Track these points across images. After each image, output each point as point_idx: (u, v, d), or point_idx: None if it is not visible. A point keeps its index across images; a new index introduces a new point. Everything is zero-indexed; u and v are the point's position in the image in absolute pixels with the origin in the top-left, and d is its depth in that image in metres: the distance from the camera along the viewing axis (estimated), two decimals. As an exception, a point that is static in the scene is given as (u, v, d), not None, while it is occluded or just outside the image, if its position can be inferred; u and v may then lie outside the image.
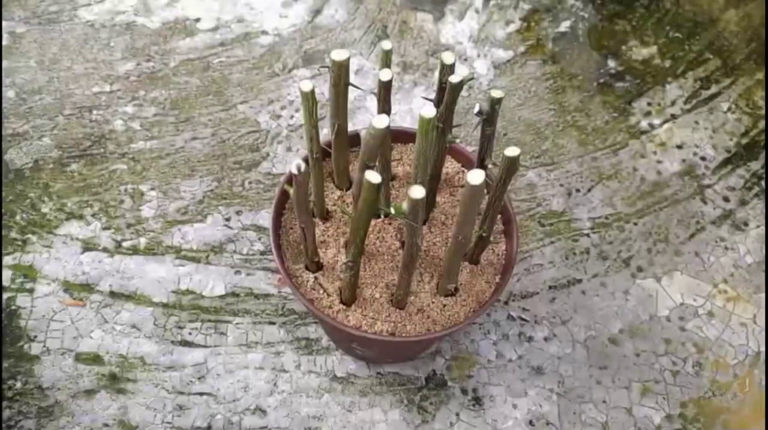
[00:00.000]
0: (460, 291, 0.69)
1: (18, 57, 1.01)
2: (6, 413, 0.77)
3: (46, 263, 0.86)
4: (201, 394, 0.80)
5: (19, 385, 0.79)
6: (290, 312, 0.85)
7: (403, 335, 0.66)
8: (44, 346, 0.81)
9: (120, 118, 0.97)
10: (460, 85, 0.57)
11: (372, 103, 1.00)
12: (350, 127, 0.67)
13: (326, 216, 0.72)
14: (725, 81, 1.06)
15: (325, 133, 0.70)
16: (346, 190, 0.73)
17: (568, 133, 1.00)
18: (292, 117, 0.98)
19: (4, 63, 1.00)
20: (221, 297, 0.85)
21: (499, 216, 0.72)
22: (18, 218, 0.89)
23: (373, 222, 0.69)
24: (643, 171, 0.97)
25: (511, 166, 0.57)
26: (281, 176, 0.93)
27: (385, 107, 0.62)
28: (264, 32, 1.06)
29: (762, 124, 1.02)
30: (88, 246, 0.87)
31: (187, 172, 0.93)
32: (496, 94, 0.58)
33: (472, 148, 0.75)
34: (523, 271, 0.89)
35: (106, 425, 0.78)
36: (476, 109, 0.58)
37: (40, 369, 0.80)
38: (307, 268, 0.69)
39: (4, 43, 1.02)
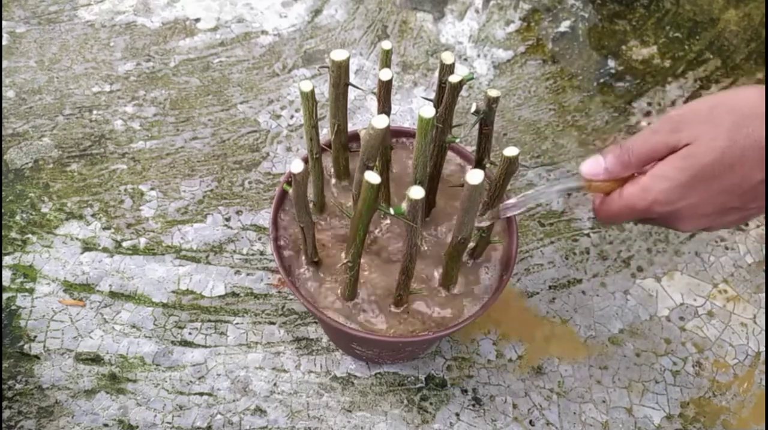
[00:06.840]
0: (460, 291, 0.68)
1: (18, 57, 1.01)
2: (6, 413, 0.77)
3: (46, 262, 0.86)
4: (201, 394, 0.80)
5: (19, 385, 0.79)
6: (290, 312, 0.85)
7: (403, 335, 0.66)
8: (44, 346, 0.81)
9: (120, 118, 0.97)
10: (459, 85, 0.57)
11: (372, 103, 1.00)
12: (350, 127, 0.67)
13: (326, 216, 0.72)
14: (725, 81, 1.06)
15: (325, 133, 0.70)
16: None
17: (568, 133, 1.00)
18: (292, 117, 0.98)
19: (4, 63, 1.00)
20: (221, 297, 0.85)
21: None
22: (18, 217, 0.89)
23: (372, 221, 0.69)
24: (643, 171, 0.97)
25: (511, 166, 0.57)
26: (281, 176, 0.93)
27: (385, 107, 0.62)
28: (264, 32, 1.06)
29: (762, 124, 1.02)
30: (88, 246, 0.87)
31: (187, 172, 0.93)
32: (493, 92, 0.57)
33: (471, 148, 0.75)
34: (523, 271, 0.89)
35: (106, 425, 0.78)
36: (473, 108, 0.58)
37: (40, 369, 0.80)
38: (306, 268, 0.69)
39: (4, 43, 1.02)
